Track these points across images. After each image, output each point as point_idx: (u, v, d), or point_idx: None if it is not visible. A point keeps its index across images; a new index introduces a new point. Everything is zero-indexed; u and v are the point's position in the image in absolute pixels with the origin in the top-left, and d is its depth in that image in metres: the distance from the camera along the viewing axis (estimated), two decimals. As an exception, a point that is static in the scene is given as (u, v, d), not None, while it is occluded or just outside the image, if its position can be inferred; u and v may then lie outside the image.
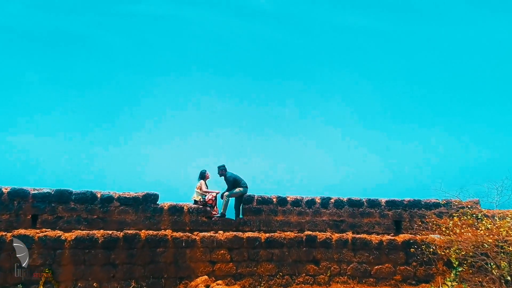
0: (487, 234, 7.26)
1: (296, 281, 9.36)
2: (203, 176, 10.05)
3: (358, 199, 10.39)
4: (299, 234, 9.78)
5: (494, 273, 7.56)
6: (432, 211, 10.16)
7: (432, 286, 9.16)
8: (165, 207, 9.48)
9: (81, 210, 8.99)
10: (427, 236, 9.49)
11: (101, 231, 8.81)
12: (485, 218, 8.23)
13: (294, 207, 10.11)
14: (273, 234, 9.67)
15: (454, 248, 8.37)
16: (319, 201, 10.26)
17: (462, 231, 7.80)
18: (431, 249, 8.86)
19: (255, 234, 9.58)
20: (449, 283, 8.51)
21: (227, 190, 10.04)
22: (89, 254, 8.50)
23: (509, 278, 7.28)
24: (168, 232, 9.22)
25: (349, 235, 9.90)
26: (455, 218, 8.53)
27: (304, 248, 9.64)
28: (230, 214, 10.01)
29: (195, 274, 8.99)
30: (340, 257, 9.66)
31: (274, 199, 10.11)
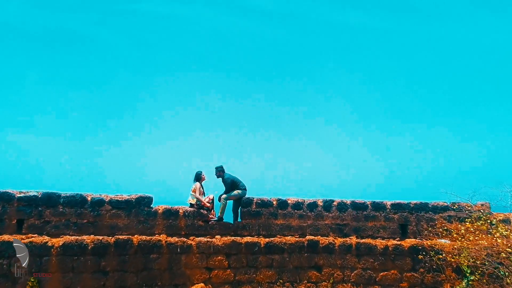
0: (504, 242, 6.78)
1: (297, 288, 8.91)
2: (198, 177, 9.54)
3: (362, 201, 9.91)
4: (300, 238, 9.31)
5: (509, 281, 7.11)
6: (440, 214, 9.67)
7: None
8: (159, 211, 9.00)
9: (70, 214, 8.50)
10: (435, 241, 9.03)
11: (91, 236, 8.33)
12: (500, 224, 7.74)
13: (295, 210, 9.64)
14: (273, 238, 9.21)
15: (464, 254, 7.92)
16: (321, 204, 9.78)
17: (477, 238, 7.32)
18: (441, 256, 8.38)
19: (254, 239, 9.11)
20: (461, 292, 8.05)
21: (225, 193, 9.58)
22: (78, 261, 8.01)
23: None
24: (163, 237, 8.75)
25: (353, 239, 9.43)
26: (467, 224, 8.04)
27: (306, 254, 9.17)
28: (228, 217, 9.55)
29: (190, 281, 8.55)
30: (343, 263, 9.19)
31: (274, 202, 9.63)
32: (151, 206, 9.04)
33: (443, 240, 9.05)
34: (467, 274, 7.90)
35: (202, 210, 9.21)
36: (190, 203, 9.30)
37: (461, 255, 7.92)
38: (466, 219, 8.54)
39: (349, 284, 9.09)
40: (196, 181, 9.46)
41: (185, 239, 8.81)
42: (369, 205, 9.88)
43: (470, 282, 7.86)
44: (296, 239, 9.29)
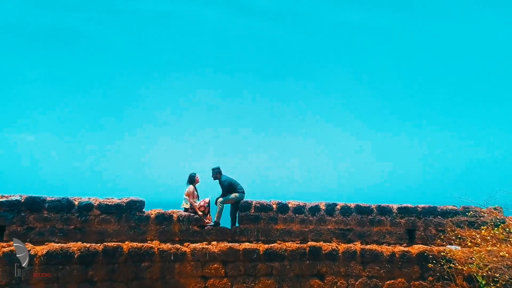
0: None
1: (298, 298, 8.37)
2: (192, 180, 8.95)
3: (367, 205, 9.37)
4: (301, 245, 8.76)
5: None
6: (450, 219, 9.14)
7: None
8: (151, 215, 8.44)
9: (56, 219, 7.93)
10: (444, 247, 8.50)
11: (78, 243, 7.77)
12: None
13: (296, 215, 9.08)
14: (272, 245, 8.67)
15: (477, 262, 7.39)
16: (323, 207, 9.23)
17: (495, 248, 6.80)
18: (452, 264, 7.86)
19: (253, 245, 8.57)
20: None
21: (222, 196, 9.02)
22: (63, 270, 7.45)
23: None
24: (155, 243, 8.20)
25: (358, 246, 8.90)
26: (483, 231, 7.51)
27: (308, 261, 8.63)
28: (225, 222, 8.98)
29: (185, 291, 8.00)
30: (347, 271, 8.66)
31: (274, 206, 9.08)
32: (143, 210, 8.49)
33: (453, 247, 8.53)
34: (482, 284, 7.37)
35: (196, 216, 8.64)
36: (185, 208, 8.74)
37: (475, 263, 7.38)
38: (482, 226, 8.00)
39: (354, 293, 8.55)
40: (190, 184, 8.89)
41: (179, 246, 8.26)
42: (374, 209, 9.34)
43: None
44: (297, 245, 8.75)
